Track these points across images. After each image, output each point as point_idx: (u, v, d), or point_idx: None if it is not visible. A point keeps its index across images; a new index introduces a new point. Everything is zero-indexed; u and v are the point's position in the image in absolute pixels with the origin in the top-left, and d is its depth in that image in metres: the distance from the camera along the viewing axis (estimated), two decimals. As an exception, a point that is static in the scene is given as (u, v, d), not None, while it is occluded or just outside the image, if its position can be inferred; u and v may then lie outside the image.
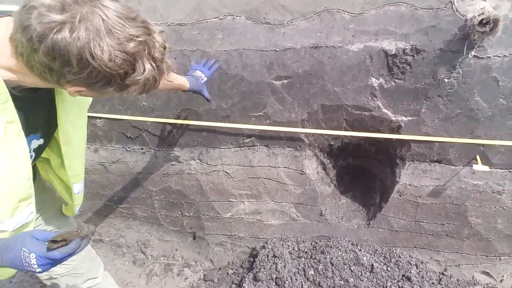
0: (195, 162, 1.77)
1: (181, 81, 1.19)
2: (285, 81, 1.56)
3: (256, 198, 1.75)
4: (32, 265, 0.60)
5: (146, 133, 1.79)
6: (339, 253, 1.52)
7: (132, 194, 1.91)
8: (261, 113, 1.63)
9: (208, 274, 1.79)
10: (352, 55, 1.46)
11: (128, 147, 1.85)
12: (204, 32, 1.58)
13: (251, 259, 1.72)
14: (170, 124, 1.73)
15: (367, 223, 1.68)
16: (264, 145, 1.68)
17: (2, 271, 0.77)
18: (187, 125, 1.70)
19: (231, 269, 1.75)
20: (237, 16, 1.53)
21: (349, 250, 1.54)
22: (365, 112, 1.52)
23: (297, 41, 1.50)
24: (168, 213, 1.86)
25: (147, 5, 1.60)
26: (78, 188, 0.99)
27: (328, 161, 1.71)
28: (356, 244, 1.60)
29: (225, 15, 1.54)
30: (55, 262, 0.62)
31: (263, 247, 1.68)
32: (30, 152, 0.75)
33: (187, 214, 1.84)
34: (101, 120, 1.83)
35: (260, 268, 1.54)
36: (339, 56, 1.47)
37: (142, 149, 1.83)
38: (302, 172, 1.65)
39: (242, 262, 1.76)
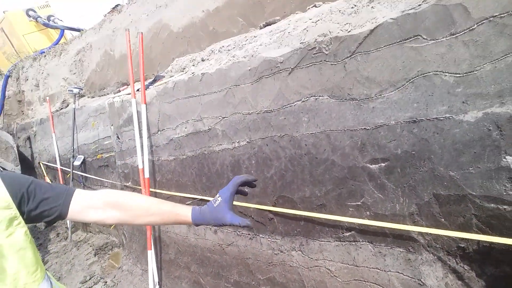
0: (296, 254, 2.10)
1: (176, 208, 1.19)
2: (382, 164, 1.66)
3: (370, 307, 1.83)
4: None
5: (250, 219, 2.33)
6: None
7: (244, 279, 2.46)
8: (359, 203, 1.77)
9: None
10: (467, 127, 1.38)
11: (239, 232, 2.45)
12: (290, 117, 1.97)
13: None
14: (269, 211, 2.18)
15: None
16: (368, 242, 1.78)
17: None
18: (285, 213, 2.10)
19: None
20: (319, 96, 1.83)
21: None
22: (505, 206, 1.34)
23: (390, 116, 1.59)
24: (275, 307, 2.27)
25: (240, 97, 2.20)
26: None
27: (465, 268, 1.55)
28: None
29: (307, 97, 1.88)
30: None
31: None
32: None
33: (293, 313, 2.17)
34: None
35: None
36: (449, 130, 1.43)
37: (249, 234, 2.37)
38: (421, 283, 1.61)
39: None
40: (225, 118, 2.31)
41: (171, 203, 1.23)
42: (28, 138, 7.06)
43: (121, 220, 1.19)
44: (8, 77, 8.12)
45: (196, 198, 2.66)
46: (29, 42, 8.56)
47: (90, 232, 5.53)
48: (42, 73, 7.21)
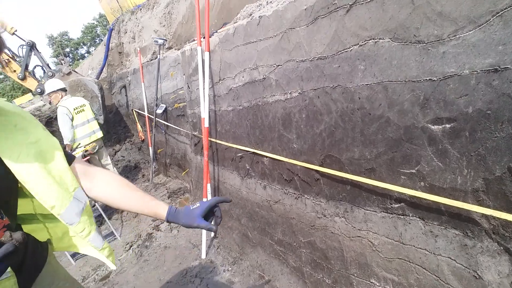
0: (339, 220, 1.92)
1: (154, 203, 1.28)
2: (447, 125, 1.34)
3: (416, 291, 1.59)
4: None
5: (297, 178, 2.20)
6: None
7: (287, 239, 2.38)
8: (413, 171, 1.49)
9: None
10: None
11: (286, 190, 2.34)
12: (345, 64, 1.72)
13: None
14: (316, 170, 2.01)
15: None
16: (419, 217, 1.50)
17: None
18: (331, 174, 1.91)
19: None
20: (379, 38, 1.53)
21: None
22: None
23: (464, 63, 1.25)
24: (312, 271, 2.15)
25: (295, 42, 1.99)
26: (67, 217, 1.10)
27: (544, 268, 1.19)
28: None
29: (365, 40, 1.59)
30: None
31: None
32: None
33: (327, 281, 2.03)
34: (267, 158, 2.47)
35: None
36: (544, 84, 1.06)
37: (295, 193, 2.25)
38: (477, 276, 1.31)
39: None
40: (279, 66, 2.15)
41: (154, 198, 1.33)
42: (124, 86, 7.81)
43: (108, 200, 1.28)
44: (112, 30, 8.98)
45: (249, 151, 2.61)
46: (130, -4, 9.20)
47: (169, 177, 6.02)
48: (138, 26, 7.76)
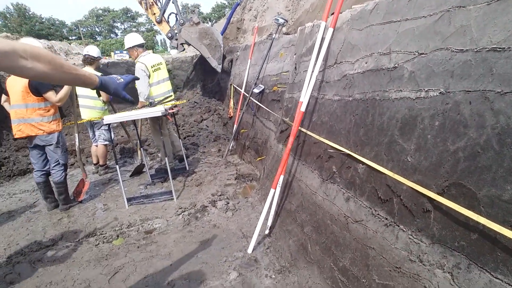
0: (442, 275, 1.37)
1: (87, 73, 1.43)
2: None
3: None
4: None
5: (397, 200, 1.68)
6: None
7: (355, 271, 1.88)
8: None
9: None
10: None
11: (375, 210, 1.84)
12: (534, 63, 1.17)
13: None
14: (430, 198, 1.49)
15: None
16: None
17: None
18: (456, 211, 1.37)
19: None
20: None
21: None
22: None
23: None
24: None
25: (458, 24, 1.48)
26: None
27: None
28: None
29: None
30: None
31: None
32: None
33: None
34: (363, 166, 1.99)
35: None
36: None
37: (386, 219, 1.74)
38: None
39: None
40: (422, 55, 1.66)
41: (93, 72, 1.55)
42: (231, 60, 7.85)
43: (44, 73, 1.25)
44: (238, 4, 9.14)
45: (343, 152, 2.17)
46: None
47: (243, 159, 5.82)
48: (264, 5, 7.70)
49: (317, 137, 2.55)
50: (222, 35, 8.99)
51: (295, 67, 3.44)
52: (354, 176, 2.07)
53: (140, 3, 7.53)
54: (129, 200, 4.48)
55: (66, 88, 4.15)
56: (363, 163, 1.98)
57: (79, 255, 3.27)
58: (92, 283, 2.77)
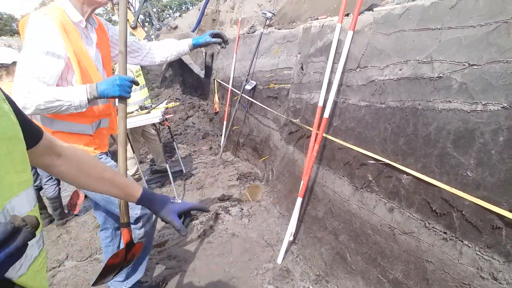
0: (525, 294, 1.38)
1: (125, 182, 1.23)
2: None
3: None
4: None
5: (458, 215, 1.67)
6: None
7: (410, 284, 1.88)
8: None
9: None
10: None
11: (429, 223, 1.83)
12: None
13: None
14: (500, 216, 1.48)
15: None
16: None
17: None
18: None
19: None
20: None
21: None
22: None
23: None
24: None
25: (521, 38, 1.45)
26: None
27: None
28: None
29: None
30: None
31: None
32: None
33: None
34: (409, 177, 1.96)
35: None
36: None
37: (445, 233, 1.73)
38: None
39: None
40: (475, 67, 1.62)
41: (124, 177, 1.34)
42: (212, 55, 7.60)
43: (69, 174, 1.12)
44: (211, -6, 8.80)
45: (381, 161, 2.12)
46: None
47: (238, 157, 5.71)
48: (241, -4, 7.46)
49: (343, 143, 2.49)
50: (196, 28, 8.65)
51: (301, 67, 3.34)
52: (397, 186, 2.04)
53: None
54: (131, 212, 4.29)
55: None
56: (408, 174, 1.95)
57: (93, 277, 3.08)
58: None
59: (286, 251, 2.87)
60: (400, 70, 2.06)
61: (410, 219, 1.94)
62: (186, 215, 1.33)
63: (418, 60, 1.92)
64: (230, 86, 5.93)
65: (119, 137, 1.79)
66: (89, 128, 2.04)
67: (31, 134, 0.94)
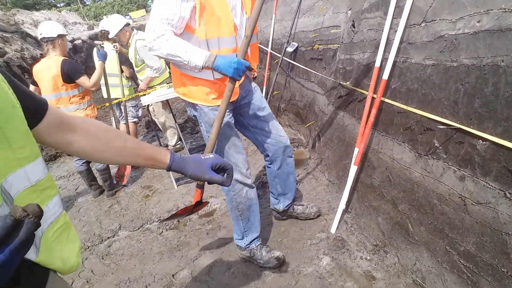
0: None
1: (152, 150, 1.17)
2: None
3: None
4: None
5: None
6: None
7: (487, 258, 1.74)
8: None
9: None
10: None
11: (509, 192, 1.66)
12: None
13: None
14: None
15: None
16: None
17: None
18: None
19: None
20: None
21: None
22: None
23: None
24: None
25: None
26: None
27: None
28: None
29: None
30: None
31: None
32: None
33: None
34: (485, 142, 1.77)
35: None
36: None
37: (532, 205, 1.56)
38: None
39: None
40: None
41: (150, 145, 1.21)
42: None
43: (93, 154, 1.07)
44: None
45: (451, 126, 1.94)
46: None
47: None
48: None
49: (405, 106, 2.30)
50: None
51: (353, 25, 3.09)
52: (470, 153, 1.86)
53: None
54: (177, 180, 4.36)
55: (99, 71, 3.89)
56: (485, 139, 1.76)
57: (147, 247, 3.20)
58: (173, 278, 2.70)
59: (340, 221, 2.80)
60: (478, 22, 1.81)
61: (486, 188, 1.77)
62: (219, 169, 1.23)
63: (504, 9, 1.67)
64: (269, 49, 5.71)
65: (219, 113, 1.96)
66: (210, 74, 2.11)
67: (33, 108, 0.87)
